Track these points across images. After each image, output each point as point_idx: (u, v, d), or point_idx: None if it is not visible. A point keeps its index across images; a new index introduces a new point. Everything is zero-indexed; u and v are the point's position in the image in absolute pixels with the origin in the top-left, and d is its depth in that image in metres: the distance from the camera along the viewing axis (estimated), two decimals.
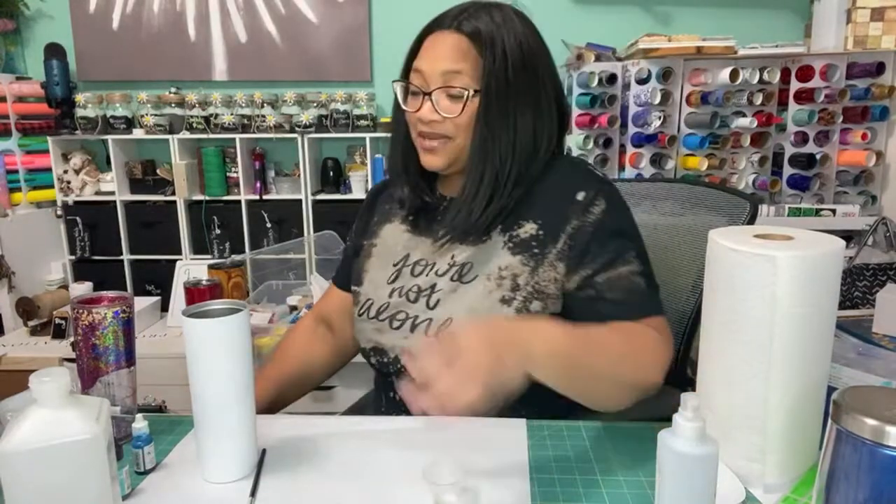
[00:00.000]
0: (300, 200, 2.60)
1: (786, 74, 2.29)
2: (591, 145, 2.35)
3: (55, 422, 0.57)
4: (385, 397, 1.03)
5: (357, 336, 1.04)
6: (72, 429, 0.57)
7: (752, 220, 1.10)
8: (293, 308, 2.29)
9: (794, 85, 2.29)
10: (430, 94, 0.91)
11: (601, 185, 0.92)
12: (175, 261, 2.58)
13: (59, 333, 2.31)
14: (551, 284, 0.90)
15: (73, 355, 0.88)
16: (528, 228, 0.92)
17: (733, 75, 2.18)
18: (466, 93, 0.89)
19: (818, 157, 2.31)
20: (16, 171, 2.54)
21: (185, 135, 2.58)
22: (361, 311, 1.02)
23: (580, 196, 0.91)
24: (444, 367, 0.65)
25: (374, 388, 1.11)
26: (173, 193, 2.59)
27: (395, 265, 1.02)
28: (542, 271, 0.90)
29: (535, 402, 0.84)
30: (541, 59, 0.94)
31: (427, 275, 0.97)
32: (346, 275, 1.13)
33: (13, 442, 0.56)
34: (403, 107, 0.96)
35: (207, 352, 0.74)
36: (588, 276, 0.89)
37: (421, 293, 0.96)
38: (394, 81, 0.97)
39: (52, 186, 2.60)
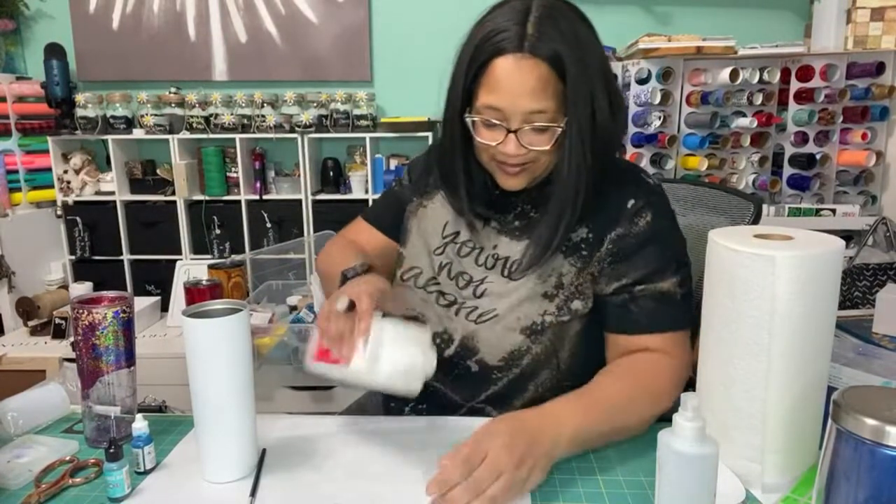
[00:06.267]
0: (300, 200, 2.60)
1: (786, 74, 2.29)
2: None
3: None
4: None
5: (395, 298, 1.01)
6: None
7: (755, 222, 1.10)
8: (293, 308, 2.29)
9: (794, 85, 2.29)
10: (514, 131, 0.84)
11: (650, 196, 0.92)
12: (175, 261, 2.58)
13: (59, 333, 2.31)
14: (589, 284, 0.92)
15: (73, 355, 0.88)
16: (580, 231, 0.92)
17: (733, 75, 2.18)
18: (557, 128, 0.84)
19: (818, 157, 2.31)
20: (16, 171, 2.53)
21: (185, 135, 2.57)
22: (406, 277, 1.01)
23: (630, 204, 0.91)
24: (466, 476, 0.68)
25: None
26: (173, 193, 2.58)
27: (443, 237, 1.01)
28: (585, 272, 0.91)
29: (537, 403, 0.84)
30: (606, 62, 0.87)
31: (475, 261, 0.97)
32: (386, 217, 1.10)
33: None
34: (478, 139, 0.88)
35: (207, 352, 0.74)
36: (626, 284, 0.90)
37: (471, 283, 0.96)
38: (466, 116, 0.87)
39: (52, 186, 2.60)
